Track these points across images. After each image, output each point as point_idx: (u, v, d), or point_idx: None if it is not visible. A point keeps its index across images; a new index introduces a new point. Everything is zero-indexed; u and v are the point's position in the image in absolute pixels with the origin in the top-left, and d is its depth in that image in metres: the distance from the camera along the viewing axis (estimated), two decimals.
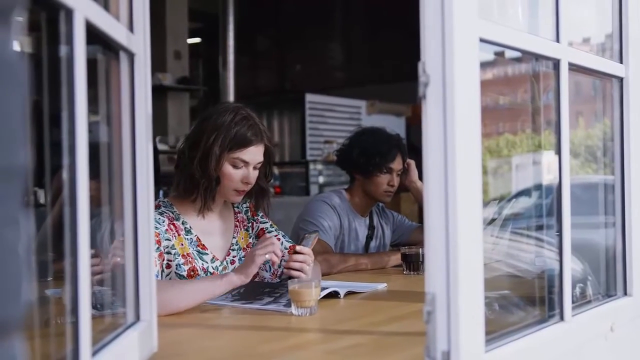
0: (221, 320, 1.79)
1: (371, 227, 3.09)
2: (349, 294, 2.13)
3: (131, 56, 1.33)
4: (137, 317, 1.35)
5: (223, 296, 2.01)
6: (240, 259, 2.27)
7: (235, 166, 2.15)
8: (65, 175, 1.00)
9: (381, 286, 2.29)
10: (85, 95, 1.01)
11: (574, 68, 1.54)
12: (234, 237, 2.30)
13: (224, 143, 2.12)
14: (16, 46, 0.61)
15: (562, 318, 1.47)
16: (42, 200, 2.07)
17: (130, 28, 1.33)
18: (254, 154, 2.17)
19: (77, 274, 0.99)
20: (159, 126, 6.97)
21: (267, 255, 1.95)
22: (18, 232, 0.59)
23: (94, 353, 1.07)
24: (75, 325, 0.99)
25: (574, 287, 1.58)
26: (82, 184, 1.00)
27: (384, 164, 2.92)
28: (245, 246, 2.32)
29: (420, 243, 2.87)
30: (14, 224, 0.58)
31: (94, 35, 1.10)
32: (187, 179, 2.16)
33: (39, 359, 1.10)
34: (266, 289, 2.09)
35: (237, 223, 2.33)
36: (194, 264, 2.14)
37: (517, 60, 1.67)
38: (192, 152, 2.15)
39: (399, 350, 1.50)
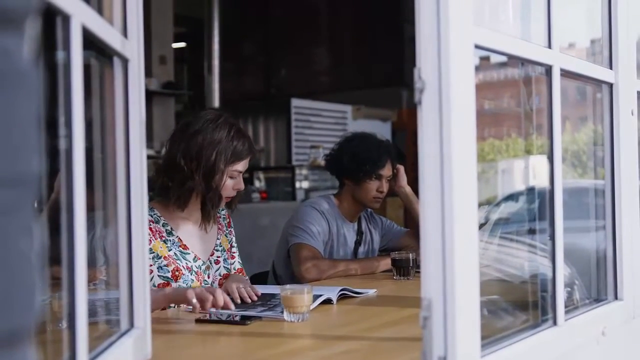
0: (214, 327, 1.79)
1: (360, 233, 3.09)
2: (342, 298, 2.13)
3: (125, 62, 1.32)
4: (131, 324, 1.34)
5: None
6: (224, 259, 2.36)
7: (231, 177, 2.25)
8: (61, 180, 0.99)
9: (371, 292, 2.30)
10: (82, 100, 1.01)
11: (564, 74, 1.55)
12: (217, 239, 2.38)
13: (227, 159, 2.21)
14: (29, 55, 0.60)
15: (555, 322, 1.48)
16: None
17: (124, 34, 1.32)
18: (247, 163, 2.29)
19: (74, 282, 0.98)
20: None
21: (194, 301, 1.86)
22: (31, 241, 0.59)
23: None
24: (72, 333, 0.98)
25: None
26: (79, 190, 0.99)
27: (374, 170, 2.92)
28: (226, 249, 2.40)
29: (409, 248, 2.88)
30: (26, 233, 0.58)
31: (89, 41, 1.09)
32: (187, 192, 2.21)
33: None
34: (258, 301, 2.08)
35: (220, 226, 2.41)
36: (177, 264, 2.19)
37: (502, 65, 1.68)
38: (189, 165, 2.18)
39: (393, 355, 1.50)
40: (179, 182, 2.20)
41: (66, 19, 0.98)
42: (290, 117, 7.85)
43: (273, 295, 2.14)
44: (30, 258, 0.59)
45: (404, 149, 7.31)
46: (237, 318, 1.85)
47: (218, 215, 2.42)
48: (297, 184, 7.27)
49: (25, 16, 0.59)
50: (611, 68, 1.78)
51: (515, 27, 1.71)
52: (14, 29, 0.58)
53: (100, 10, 1.23)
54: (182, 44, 9.64)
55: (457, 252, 1.13)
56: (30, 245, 0.59)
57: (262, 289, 2.20)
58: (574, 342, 1.56)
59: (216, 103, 8.39)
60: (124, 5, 1.33)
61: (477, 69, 1.47)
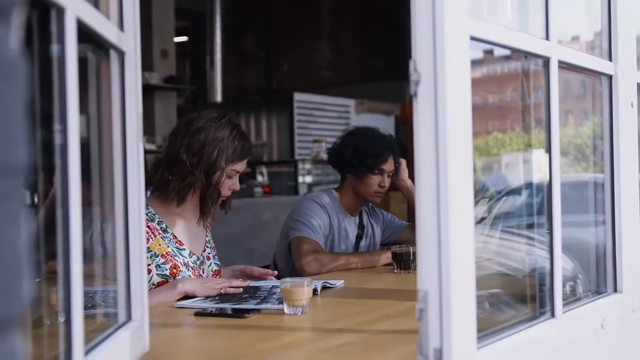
0: (213, 321, 1.79)
1: (361, 227, 3.09)
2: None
3: (121, 55, 1.32)
4: (129, 317, 1.34)
5: (202, 300, 2.02)
6: (214, 256, 2.42)
7: (229, 176, 2.28)
8: (56, 175, 0.99)
9: (339, 283, 2.32)
10: (76, 94, 1.01)
11: (563, 66, 1.54)
12: (207, 236, 2.43)
13: (228, 157, 2.24)
14: (16, 44, 0.60)
15: (553, 315, 1.48)
16: (28, 201, 2.07)
17: (121, 26, 1.32)
18: (245, 164, 2.33)
19: (69, 275, 0.99)
20: (146, 126, 6.94)
21: (222, 290, 2.09)
22: (19, 229, 0.59)
23: (86, 352, 1.07)
24: (67, 325, 0.99)
25: (564, 285, 1.59)
26: (74, 184, 0.99)
27: (376, 165, 2.92)
28: (213, 247, 2.46)
29: (410, 242, 2.88)
30: (15, 221, 0.59)
31: (84, 34, 1.09)
32: (186, 187, 2.24)
33: (30, 359, 1.09)
34: (244, 294, 2.09)
35: (208, 225, 2.45)
36: (174, 262, 2.22)
37: (506, 58, 1.68)
38: (190, 160, 2.21)
39: (391, 348, 1.50)
40: (180, 177, 2.22)
41: (60, 11, 0.98)
42: (293, 111, 7.84)
43: (258, 288, 2.17)
44: (19, 246, 0.59)
45: (407, 142, 7.31)
46: (236, 311, 1.85)
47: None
48: (300, 179, 7.27)
49: (11, 7, 0.60)
50: (611, 60, 1.78)
51: (513, 20, 1.71)
52: (0, 19, 0.58)
53: (96, 3, 1.23)
54: (184, 38, 9.64)
55: (453, 244, 1.13)
56: (19, 234, 0.59)
57: (252, 283, 2.25)
58: (572, 334, 1.56)
59: (218, 97, 8.40)
60: None
61: (481, 62, 1.47)
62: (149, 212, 2.24)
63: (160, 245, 2.22)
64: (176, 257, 2.23)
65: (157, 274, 2.18)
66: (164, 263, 2.19)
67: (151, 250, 2.18)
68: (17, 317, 0.59)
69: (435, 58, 1.13)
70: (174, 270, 2.20)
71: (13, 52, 0.59)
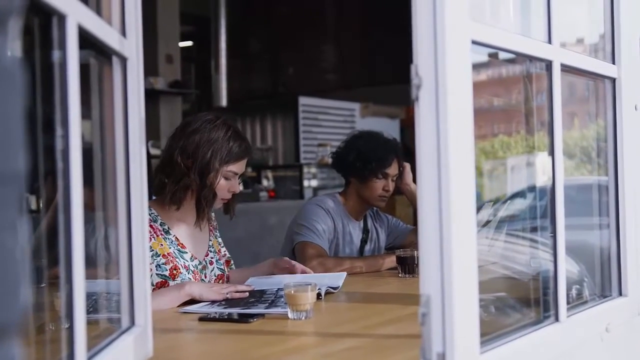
0: (217, 326, 1.79)
1: (365, 231, 3.09)
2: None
3: (124, 61, 1.33)
4: (132, 322, 1.34)
5: (208, 305, 2.01)
6: (217, 260, 2.40)
7: (226, 178, 2.28)
8: (59, 181, 0.99)
9: (342, 275, 2.36)
10: (78, 100, 1.01)
11: (566, 69, 1.54)
12: (210, 240, 2.42)
13: (222, 158, 2.23)
14: (13, 52, 0.61)
15: (557, 319, 1.47)
16: (33, 207, 2.07)
17: (123, 32, 1.32)
18: (243, 165, 2.32)
19: (71, 280, 0.99)
20: (151, 131, 6.95)
21: (228, 295, 2.09)
22: (16, 237, 0.59)
23: (89, 358, 1.07)
24: (70, 331, 0.99)
25: (570, 289, 1.58)
26: (76, 190, 1.00)
27: (380, 169, 2.92)
28: (217, 250, 2.44)
29: (415, 245, 2.87)
30: (12, 229, 0.59)
31: (86, 40, 1.10)
32: (182, 189, 2.24)
33: None
34: (251, 299, 2.09)
35: (211, 229, 2.45)
36: (175, 263, 2.22)
37: (511, 61, 1.68)
38: (185, 162, 2.22)
39: (395, 352, 1.50)
40: (175, 179, 2.23)
41: (62, 18, 0.99)
42: (298, 115, 7.85)
43: (264, 292, 2.16)
44: (15, 254, 0.59)
45: (411, 146, 7.29)
46: (240, 316, 1.85)
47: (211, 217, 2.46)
48: (305, 183, 7.27)
49: (8, 15, 0.60)
50: (614, 63, 1.77)
51: (516, 23, 1.70)
52: None
53: (98, 10, 1.24)
54: (188, 43, 9.64)
55: (455, 248, 1.13)
56: (16, 241, 0.59)
57: (257, 287, 2.23)
58: (576, 338, 1.55)
59: (223, 102, 8.40)
60: (122, 5, 1.33)
61: (487, 65, 1.47)
62: (152, 214, 2.25)
63: (162, 245, 2.22)
64: (177, 259, 2.23)
65: (156, 274, 2.18)
66: (164, 263, 2.20)
67: (153, 250, 2.18)
68: (15, 324, 0.59)
69: (436, 62, 1.13)
70: (174, 272, 2.20)
71: (11, 60, 0.59)
